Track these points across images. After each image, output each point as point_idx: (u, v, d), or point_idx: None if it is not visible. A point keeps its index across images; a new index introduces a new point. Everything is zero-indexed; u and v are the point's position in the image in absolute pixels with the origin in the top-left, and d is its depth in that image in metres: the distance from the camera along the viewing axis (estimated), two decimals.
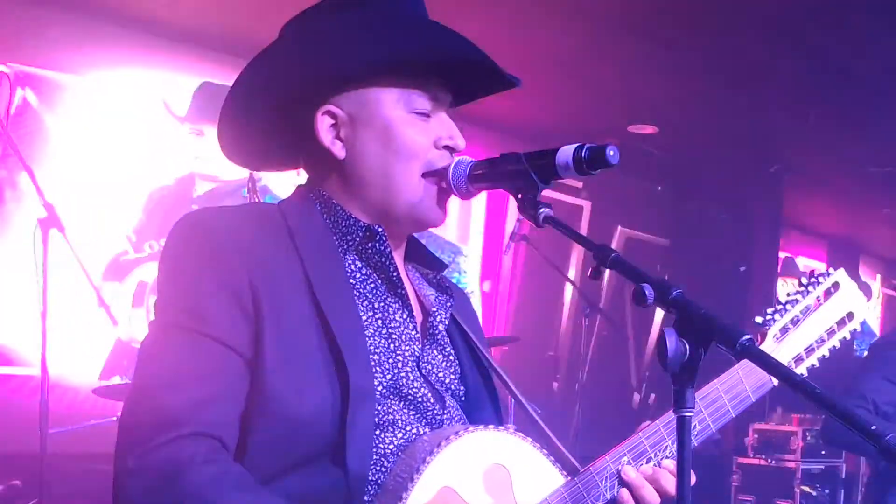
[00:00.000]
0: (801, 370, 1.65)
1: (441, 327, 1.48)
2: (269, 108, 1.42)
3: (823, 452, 6.19)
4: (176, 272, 1.32)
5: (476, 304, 6.84)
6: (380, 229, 1.41)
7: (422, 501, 1.28)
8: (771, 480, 6.23)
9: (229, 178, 5.39)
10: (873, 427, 1.09)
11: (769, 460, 6.25)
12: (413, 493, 1.28)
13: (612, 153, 1.35)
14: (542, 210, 1.40)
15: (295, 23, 1.47)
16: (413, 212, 1.44)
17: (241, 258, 1.29)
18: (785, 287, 9.73)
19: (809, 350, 1.66)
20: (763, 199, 7.79)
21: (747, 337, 1.15)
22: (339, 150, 1.41)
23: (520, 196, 1.42)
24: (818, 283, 1.68)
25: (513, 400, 1.67)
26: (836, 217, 9.38)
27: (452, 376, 1.48)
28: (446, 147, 1.44)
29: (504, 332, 6.85)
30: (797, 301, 1.65)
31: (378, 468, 1.31)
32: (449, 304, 1.52)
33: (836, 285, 1.67)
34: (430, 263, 1.56)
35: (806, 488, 6.10)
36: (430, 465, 1.29)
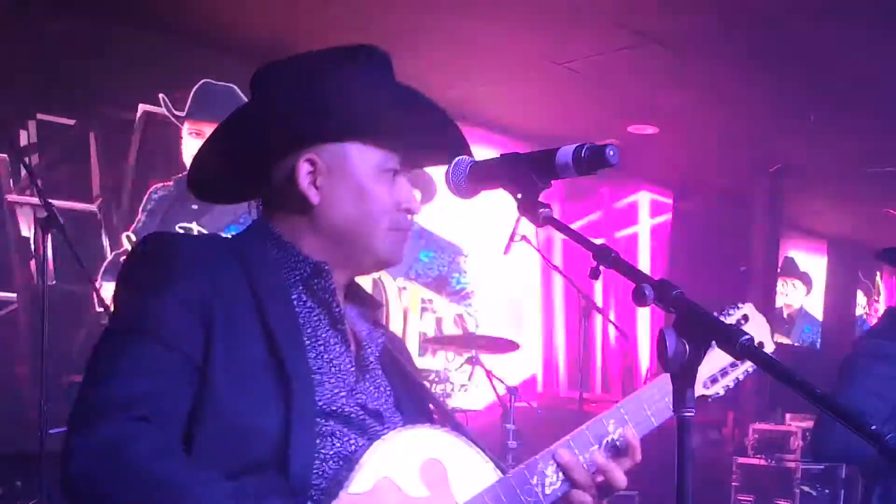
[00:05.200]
0: (717, 390, 1.69)
1: (372, 358, 1.56)
2: (254, 149, 1.53)
3: None
4: (134, 282, 1.43)
5: (476, 303, 6.85)
6: (326, 267, 1.51)
7: (361, 491, 1.37)
8: (771, 480, 6.23)
9: None
10: (873, 427, 1.09)
11: (769, 460, 6.25)
12: (352, 484, 1.36)
13: (611, 153, 1.35)
14: (542, 210, 1.40)
15: (286, 70, 1.56)
16: (377, 258, 1.56)
17: (198, 274, 1.39)
18: (785, 287, 9.74)
19: (723, 373, 1.70)
20: (763, 199, 7.79)
21: (747, 337, 1.16)
22: (314, 196, 1.50)
23: (520, 196, 1.42)
24: (728, 314, 1.73)
25: None
26: (836, 217, 9.38)
27: (386, 405, 1.56)
28: (407, 210, 1.55)
29: None
30: None
31: (319, 473, 1.39)
32: (380, 340, 1.60)
33: (745, 317, 1.74)
34: (367, 303, 1.65)
35: (806, 488, 6.10)
36: (369, 457, 1.38)
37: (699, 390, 1.63)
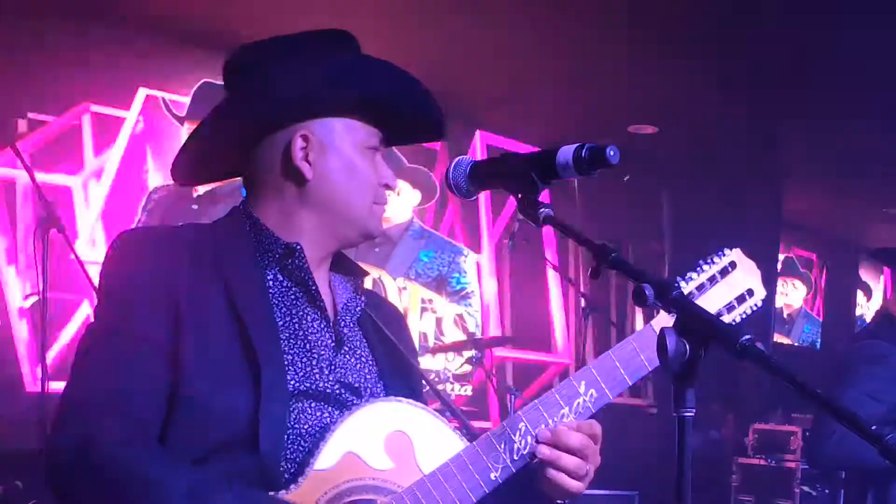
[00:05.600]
0: (734, 317, 1.70)
1: (346, 330, 1.60)
2: (246, 126, 1.57)
3: None
4: (106, 283, 1.51)
5: (476, 304, 6.85)
6: (297, 247, 1.55)
7: (326, 467, 1.42)
8: (771, 480, 6.23)
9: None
10: (873, 427, 1.09)
11: (769, 460, 6.25)
12: (318, 460, 1.42)
13: (612, 153, 1.36)
14: (542, 210, 1.40)
15: (271, 51, 1.59)
16: (364, 230, 1.61)
17: (163, 268, 1.46)
18: (785, 287, 9.74)
19: (730, 307, 1.71)
20: (763, 199, 7.79)
21: (747, 337, 1.16)
22: (307, 171, 1.55)
23: (520, 196, 1.43)
24: (713, 262, 1.71)
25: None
26: (836, 217, 9.38)
27: (368, 376, 1.60)
28: (386, 185, 1.63)
29: None
30: (691, 279, 1.69)
31: (296, 447, 1.45)
32: (359, 307, 1.65)
33: (732, 264, 1.72)
34: (352, 271, 1.69)
35: (806, 488, 6.10)
36: (334, 433, 1.43)
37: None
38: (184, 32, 5.18)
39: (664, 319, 1.60)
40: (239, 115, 1.57)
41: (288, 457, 1.44)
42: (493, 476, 1.48)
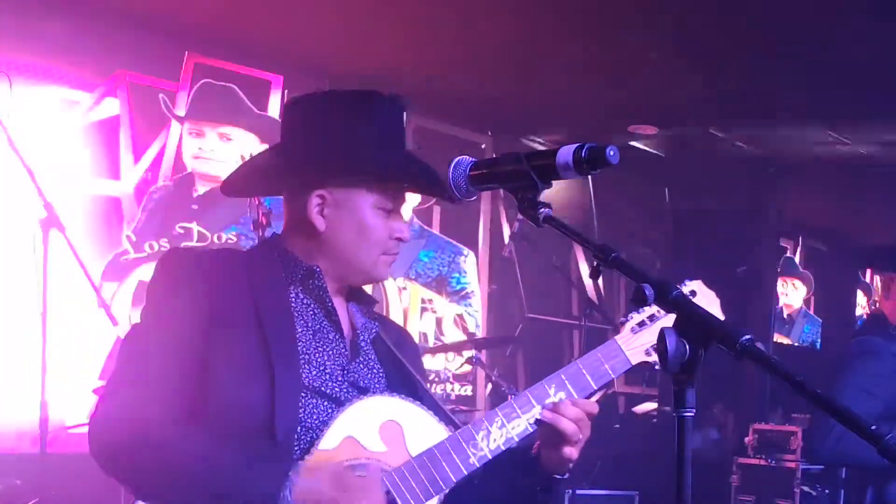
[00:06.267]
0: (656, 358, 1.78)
1: (364, 344, 1.85)
2: (276, 181, 1.91)
3: None
4: (153, 289, 1.77)
5: (476, 304, 6.85)
6: (317, 269, 1.80)
7: (329, 447, 1.67)
8: (771, 480, 6.22)
9: None
10: (873, 427, 1.09)
11: (769, 460, 6.25)
12: (322, 442, 1.66)
13: (612, 153, 1.36)
14: (542, 210, 1.40)
15: (308, 113, 1.85)
16: (369, 277, 1.87)
17: (201, 282, 1.72)
18: (785, 287, 9.74)
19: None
20: (763, 199, 7.79)
21: (747, 337, 1.16)
22: (320, 224, 1.78)
23: (520, 196, 1.43)
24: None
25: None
26: (836, 217, 9.38)
27: (377, 384, 1.83)
28: (398, 238, 1.82)
29: None
30: (643, 310, 1.88)
31: (307, 437, 1.68)
32: (374, 330, 1.89)
33: (692, 293, 1.90)
34: (365, 300, 1.93)
35: (806, 488, 6.09)
36: (336, 420, 1.68)
37: (640, 357, 1.83)
38: (183, 32, 5.18)
39: (627, 336, 1.84)
40: (275, 167, 1.86)
41: (301, 446, 1.67)
42: (471, 461, 1.71)
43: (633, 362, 1.83)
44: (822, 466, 6.19)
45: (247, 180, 1.95)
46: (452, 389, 6.37)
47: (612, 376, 1.82)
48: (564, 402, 1.73)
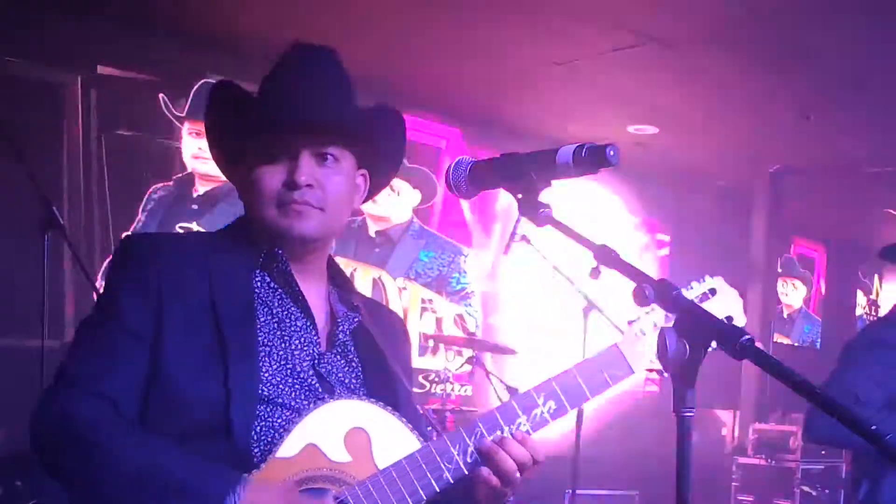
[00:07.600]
0: None
1: (342, 336, 1.71)
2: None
3: (823, 452, 6.19)
4: (107, 278, 1.68)
5: (477, 303, 6.85)
6: (279, 251, 1.66)
7: (288, 455, 1.50)
8: (771, 480, 6.23)
9: None
10: (873, 427, 1.09)
11: (769, 460, 6.25)
12: (280, 449, 1.50)
13: (612, 153, 1.36)
14: (542, 210, 1.40)
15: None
16: (279, 233, 1.66)
17: (152, 268, 1.60)
18: (785, 287, 9.74)
19: None
20: (763, 199, 7.79)
21: (747, 337, 1.16)
22: (237, 187, 1.72)
23: (520, 196, 1.43)
24: (690, 288, 1.71)
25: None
26: (836, 217, 9.38)
27: (354, 380, 1.69)
28: (288, 185, 1.65)
29: None
30: None
31: (268, 438, 1.53)
32: (356, 320, 1.74)
33: (712, 291, 1.73)
34: (345, 287, 1.80)
35: (806, 488, 6.10)
36: (298, 425, 1.51)
37: (645, 364, 1.67)
38: (184, 32, 5.18)
39: (632, 340, 1.66)
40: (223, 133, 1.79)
41: (260, 447, 1.53)
42: (444, 475, 1.54)
43: (637, 370, 1.66)
44: (823, 466, 6.20)
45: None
46: (452, 389, 6.37)
47: (611, 385, 1.63)
48: (510, 439, 1.56)
